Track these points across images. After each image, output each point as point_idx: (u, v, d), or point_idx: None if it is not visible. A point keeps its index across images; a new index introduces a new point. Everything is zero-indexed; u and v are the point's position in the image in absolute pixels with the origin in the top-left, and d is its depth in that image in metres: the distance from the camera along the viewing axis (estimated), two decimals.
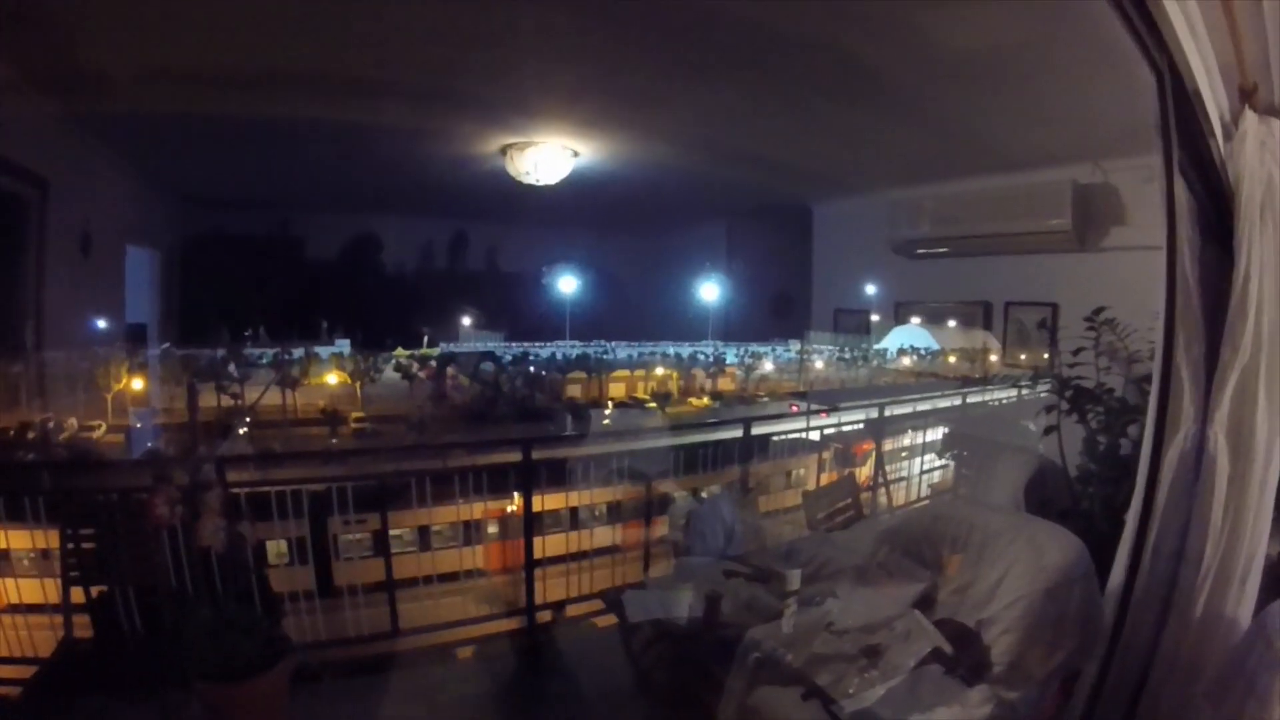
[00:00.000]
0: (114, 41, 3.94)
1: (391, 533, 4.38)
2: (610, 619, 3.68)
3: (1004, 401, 6.27)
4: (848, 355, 7.96)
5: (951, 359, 7.41)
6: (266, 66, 4.42)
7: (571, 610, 4.41)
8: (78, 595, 3.20)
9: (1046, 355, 5.36)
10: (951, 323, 7.19)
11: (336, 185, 7.63)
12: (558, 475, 4.97)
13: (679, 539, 4.09)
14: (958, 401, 6.64)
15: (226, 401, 4.42)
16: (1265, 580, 2.06)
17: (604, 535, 5.23)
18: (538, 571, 4.42)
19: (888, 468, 5.74)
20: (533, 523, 4.50)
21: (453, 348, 7.97)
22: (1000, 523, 2.82)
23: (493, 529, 4.89)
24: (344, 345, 6.48)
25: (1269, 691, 1.78)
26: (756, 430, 5.77)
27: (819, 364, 7.77)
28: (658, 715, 3.19)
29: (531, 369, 7.92)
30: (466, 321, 8.98)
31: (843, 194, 7.59)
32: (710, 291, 10.00)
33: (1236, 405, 2.04)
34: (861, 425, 6.16)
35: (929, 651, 2.44)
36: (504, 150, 6.24)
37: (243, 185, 7.06)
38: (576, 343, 9.03)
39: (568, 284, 9.64)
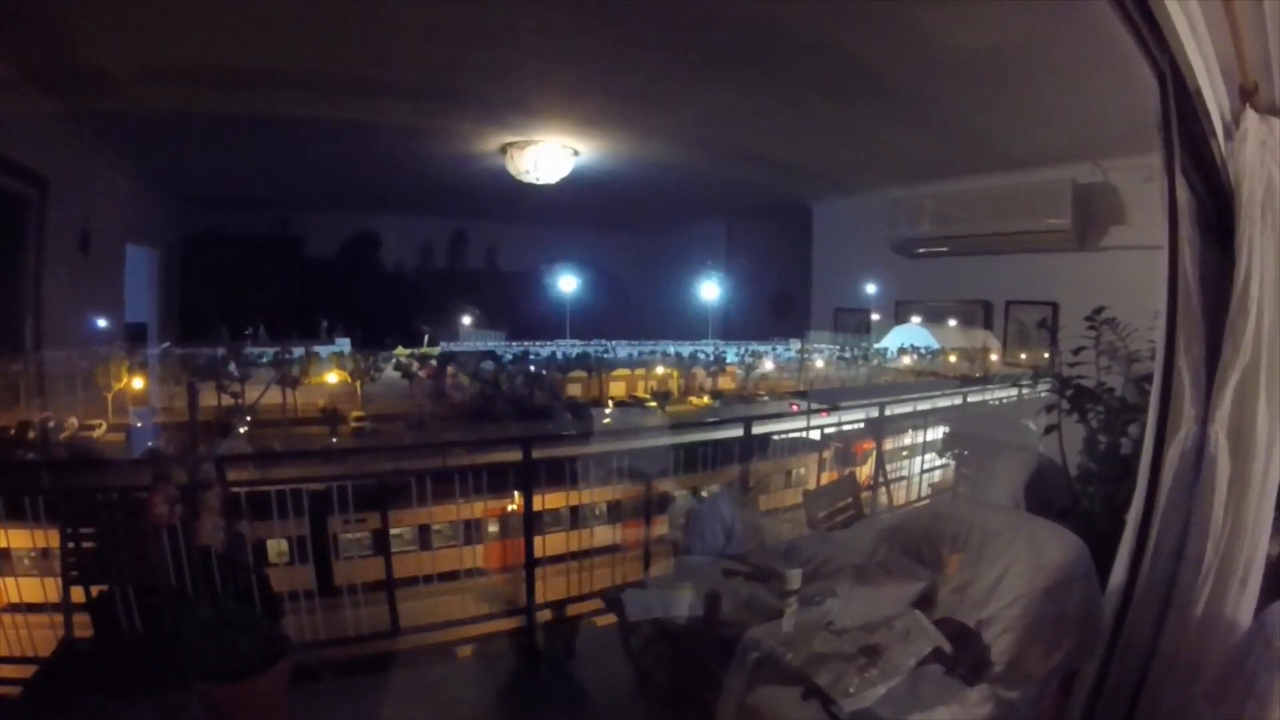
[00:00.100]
0: (114, 40, 3.93)
1: (391, 532, 4.38)
2: (610, 618, 3.68)
3: (1004, 401, 6.26)
4: (848, 354, 7.95)
5: (952, 358, 7.41)
6: (266, 65, 4.42)
7: (571, 609, 4.41)
8: (78, 594, 3.20)
9: (1047, 354, 5.36)
10: (952, 322, 7.19)
11: (336, 184, 7.63)
12: (558, 474, 4.96)
13: (679, 538, 4.09)
14: (958, 401, 6.64)
15: (227, 401, 4.42)
16: (1265, 580, 2.06)
17: (604, 534, 5.23)
18: (537, 570, 4.43)
19: (888, 467, 5.74)
20: (533, 521, 4.50)
21: (453, 347, 7.97)
22: (1000, 522, 2.82)
23: (493, 528, 4.89)
24: (344, 344, 6.47)
25: (1269, 691, 1.78)
26: (757, 429, 5.76)
27: (819, 363, 7.77)
28: (657, 714, 3.19)
29: (532, 368, 7.91)
30: (467, 320, 8.98)
31: (843, 193, 7.59)
32: (710, 291, 10.00)
33: (1237, 405, 2.04)
34: (862, 424, 6.15)
35: (929, 651, 2.44)
36: (504, 149, 6.23)
37: (243, 184, 7.06)
38: (577, 342, 9.03)
39: (568, 283, 9.64)
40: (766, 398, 7.64)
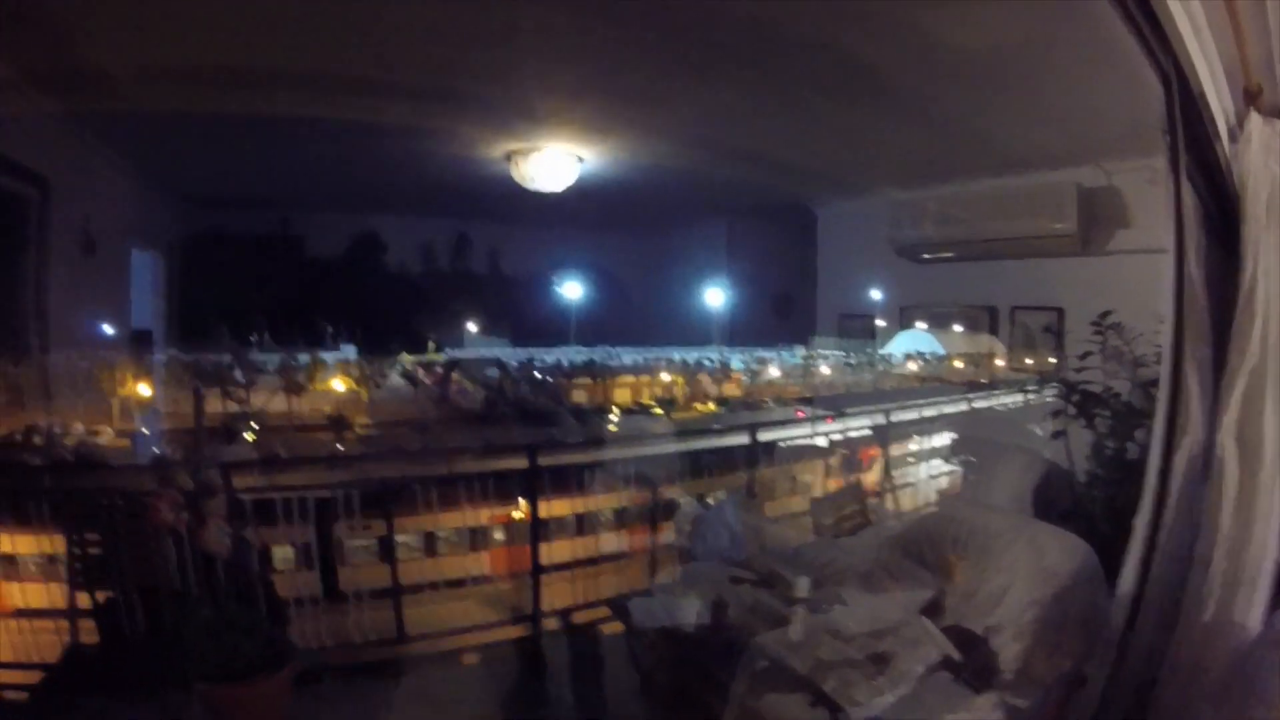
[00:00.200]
0: (115, 40, 3.95)
1: (397, 538, 4.38)
2: (616, 625, 3.67)
3: (1011, 406, 6.24)
4: (853, 360, 7.92)
5: (957, 364, 7.38)
6: (268, 65, 4.44)
7: (577, 616, 4.40)
8: (84, 600, 3.21)
9: (1053, 359, 5.35)
10: (957, 327, 7.18)
11: (339, 187, 7.67)
12: (564, 480, 4.96)
13: (685, 544, 4.08)
14: (964, 406, 6.62)
15: (232, 407, 4.42)
16: (1275, 584, 2.04)
17: (610, 541, 5.22)
18: (543, 577, 4.42)
19: (895, 473, 5.72)
20: (539, 528, 4.50)
21: (458, 353, 7.97)
22: (1008, 527, 2.81)
23: (499, 534, 4.88)
24: (349, 350, 6.49)
25: (1278, 695, 1.77)
26: (762, 435, 5.75)
27: (824, 369, 7.73)
28: None
29: (537, 374, 7.91)
30: (472, 327, 8.99)
31: (847, 196, 7.61)
32: (715, 296, 9.99)
33: (1244, 409, 2.03)
34: (868, 430, 6.14)
35: (938, 658, 2.43)
36: (509, 156, 6.25)
37: (246, 186, 7.10)
38: (582, 348, 9.03)
39: (572, 289, 9.66)
40: (772, 404, 7.60)
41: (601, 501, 5.17)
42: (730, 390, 8.25)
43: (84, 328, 5.45)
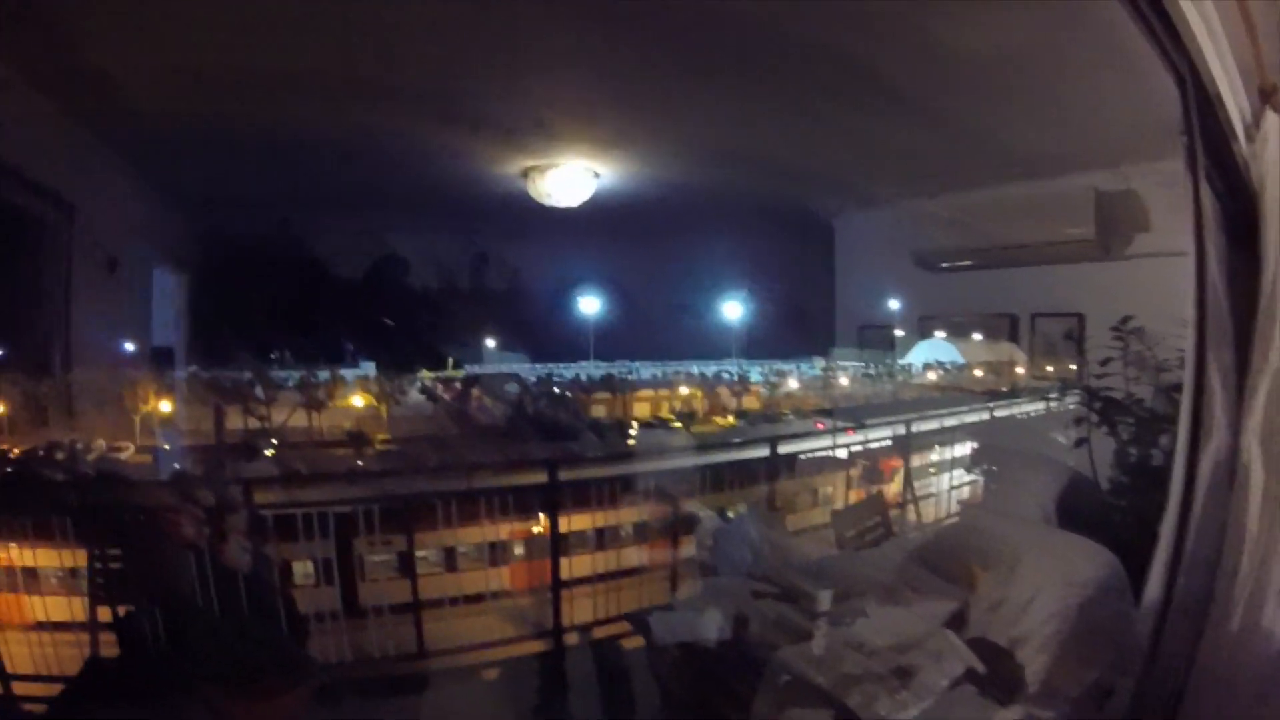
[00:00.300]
0: (142, 61, 4.04)
1: (417, 553, 4.40)
2: (637, 640, 3.65)
3: (1032, 415, 6.18)
4: (873, 371, 7.89)
5: (978, 373, 7.33)
6: (289, 87, 4.51)
7: (598, 631, 4.39)
8: (104, 614, 3.24)
9: (1074, 366, 5.29)
10: (977, 336, 7.13)
11: (359, 207, 7.74)
12: (583, 495, 4.96)
13: (706, 558, 4.06)
14: (985, 416, 6.56)
15: (253, 423, 4.49)
16: None
17: (630, 555, 5.21)
18: (564, 592, 4.41)
19: (916, 484, 5.67)
20: (559, 543, 4.50)
21: (477, 369, 8.02)
22: (1031, 538, 2.78)
23: (519, 549, 4.90)
24: (369, 367, 6.55)
25: None
26: (783, 448, 5.73)
27: (844, 380, 7.71)
28: None
29: (556, 389, 7.94)
30: (490, 343, 9.03)
31: (864, 207, 7.59)
32: (733, 309, 9.98)
33: (1269, 412, 1.99)
34: (888, 441, 6.10)
35: (962, 672, 2.39)
36: (525, 173, 6.29)
37: (266, 206, 7.19)
38: (600, 363, 9.05)
39: (590, 304, 9.68)
40: (791, 416, 7.58)
41: (621, 516, 5.17)
42: (749, 403, 8.24)
43: (106, 346, 5.54)
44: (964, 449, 5.80)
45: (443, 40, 4.04)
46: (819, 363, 8.29)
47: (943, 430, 6.19)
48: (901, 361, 7.87)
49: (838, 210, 8.09)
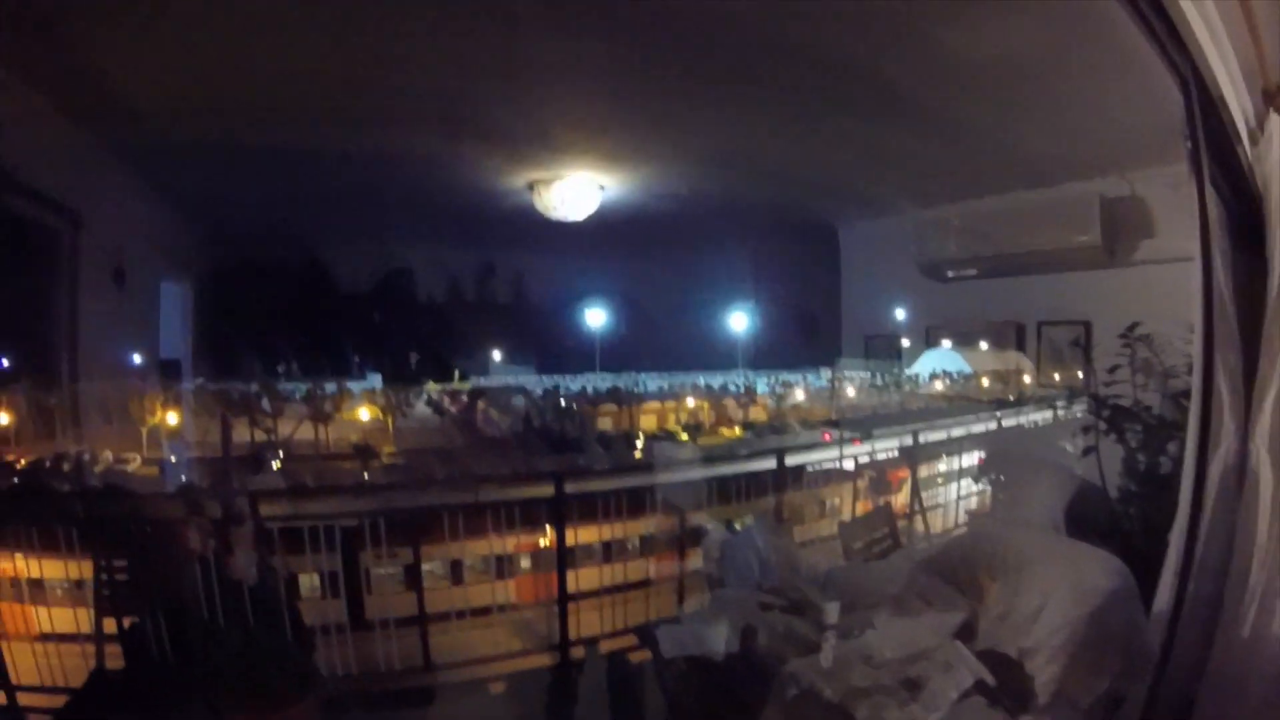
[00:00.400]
0: (149, 76, 4.08)
1: (423, 566, 4.39)
2: (644, 653, 3.63)
3: (1040, 423, 6.15)
4: (879, 381, 7.87)
5: (985, 381, 7.30)
6: (297, 99, 4.55)
7: (605, 644, 4.36)
8: (110, 625, 3.23)
9: (1081, 374, 5.26)
10: (984, 344, 7.11)
11: (366, 220, 7.80)
12: (590, 507, 4.95)
13: (713, 570, 4.03)
14: (993, 424, 6.54)
15: (260, 435, 4.50)
16: None
17: (637, 568, 5.20)
18: (570, 605, 4.39)
19: (924, 494, 5.64)
20: (565, 555, 4.48)
21: (483, 381, 8.04)
22: (1040, 547, 2.75)
23: (525, 562, 4.88)
24: (375, 380, 6.56)
25: None
26: (790, 459, 5.71)
27: (851, 391, 7.70)
28: None
29: (562, 402, 7.95)
30: (496, 355, 9.05)
31: (869, 216, 7.61)
32: (739, 320, 9.98)
33: (1278, 417, 1.97)
34: (896, 452, 6.07)
35: (971, 683, 2.37)
36: (531, 185, 6.32)
37: (274, 218, 7.24)
38: (607, 375, 9.06)
39: (596, 316, 9.70)
40: (798, 427, 7.56)
41: (628, 528, 5.15)
42: (756, 414, 8.23)
43: (113, 357, 5.57)
44: (971, 458, 5.77)
45: (449, 54, 4.08)
46: (825, 373, 8.28)
47: (950, 440, 6.16)
48: (908, 371, 7.86)
49: (843, 220, 8.11)
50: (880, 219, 7.53)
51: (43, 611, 3.63)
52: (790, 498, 5.59)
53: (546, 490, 4.66)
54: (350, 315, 8.46)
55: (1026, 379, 6.77)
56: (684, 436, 7.95)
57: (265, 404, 4.54)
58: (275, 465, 4.41)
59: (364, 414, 5.30)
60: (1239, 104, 2.04)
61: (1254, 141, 2.08)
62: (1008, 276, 6.27)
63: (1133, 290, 4.72)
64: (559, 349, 9.49)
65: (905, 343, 7.88)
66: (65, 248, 5.14)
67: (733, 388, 8.63)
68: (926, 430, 6.09)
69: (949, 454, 6.05)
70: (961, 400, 7.27)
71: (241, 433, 4.32)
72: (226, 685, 2.55)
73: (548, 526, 4.83)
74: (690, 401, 8.29)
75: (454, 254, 9.31)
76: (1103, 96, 3.77)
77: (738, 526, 4.91)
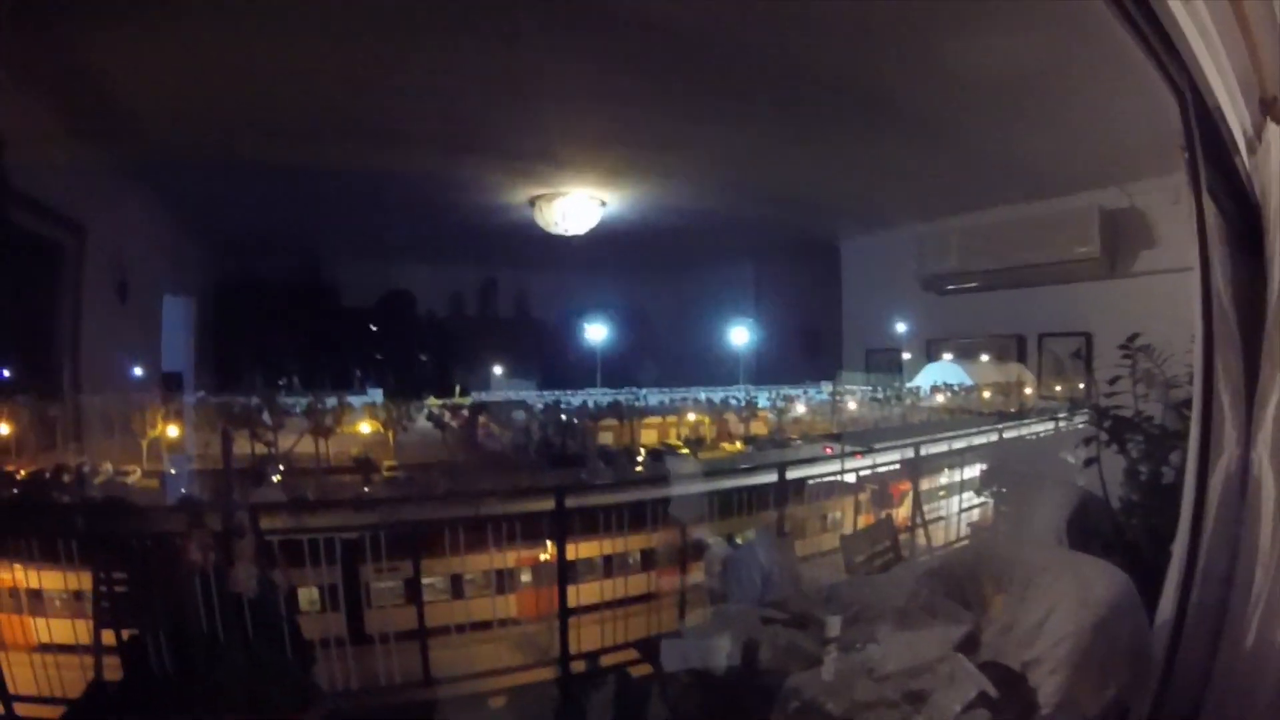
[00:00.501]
0: (153, 91, 4.11)
1: (424, 580, 4.37)
2: (646, 667, 3.61)
3: (1042, 435, 6.14)
4: (880, 395, 7.87)
5: (986, 394, 7.30)
6: (301, 117, 4.58)
7: (606, 659, 4.34)
8: (109, 637, 3.22)
9: (1083, 385, 5.26)
10: (984, 357, 7.12)
11: (369, 235, 7.83)
12: (591, 522, 4.94)
13: (715, 585, 4.02)
14: (994, 437, 6.53)
15: (260, 449, 4.50)
16: None
17: (639, 582, 5.18)
18: (572, 619, 4.37)
19: (926, 507, 5.62)
20: (566, 570, 4.47)
21: (484, 396, 8.05)
22: (1043, 559, 2.74)
23: (526, 576, 4.87)
24: (376, 394, 6.57)
25: None
26: (791, 473, 5.70)
27: (852, 404, 7.69)
28: None
29: (563, 416, 7.95)
30: (497, 370, 9.06)
31: (870, 230, 7.64)
32: (740, 335, 10.00)
33: (1279, 424, 1.97)
34: (897, 465, 6.07)
35: (975, 696, 2.35)
36: (533, 201, 6.35)
37: (278, 233, 7.27)
38: (608, 390, 9.06)
39: (597, 331, 9.72)
40: (800, 441, 7.56)
41: (629, 543, 5.14)
42: (757, 428, 8.22)
43: (115, 369, 5.57)
44: (973, 471, 5.76)
45: (452, 71, 4.11)
46: (827, 387, 8.28)
47: (952, 453, 6.15)
48: (909, 384, 7.86)
49: (844, 235, 8.13)
50: (880, 233, 7.56)
51: (41, 622, 3.62)
52: (792, 511, 5.57)
53: (548, 505, 4.66)
54: (352, 329, 8.49)
55: (1028, 391, 6.77)
56: (685, 451, 7.94)
57: (266, 417, 4.54)
58: (276, 478, 4.40)
59: (365, 428, 5.30)
60: (1236, 114, 2.05)
61: (1252, 151, 2.09)
62: (1008, 289, 6.29)
63: (1133, 301, 4.74)
64: (560, 364, 9.51)
65: (906, 356, 7.88)
66: (68, 260, 5.16)
67: (734, 402, 8.62)
68: (928, 443, 6.08)
69: (950, 467, 6.04)
70: (963, 413, 7.27)
71: (242, 446, 4.32)
72: (227, 699, 2.53)
73: (548, 541, 4.81)
74: (691, 416, 8.29)
75: (455, 268, 9.34)
76: (1101, 109, 3.79)
77: (739, 541, 4.90)
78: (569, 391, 8.71)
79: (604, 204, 6.51)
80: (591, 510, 5.06)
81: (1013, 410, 6.89)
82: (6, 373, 5.25)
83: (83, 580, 3.44)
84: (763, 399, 8.58)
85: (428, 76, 4.12)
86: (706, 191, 6.54)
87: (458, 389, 7.92)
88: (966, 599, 2.86)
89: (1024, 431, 6.44)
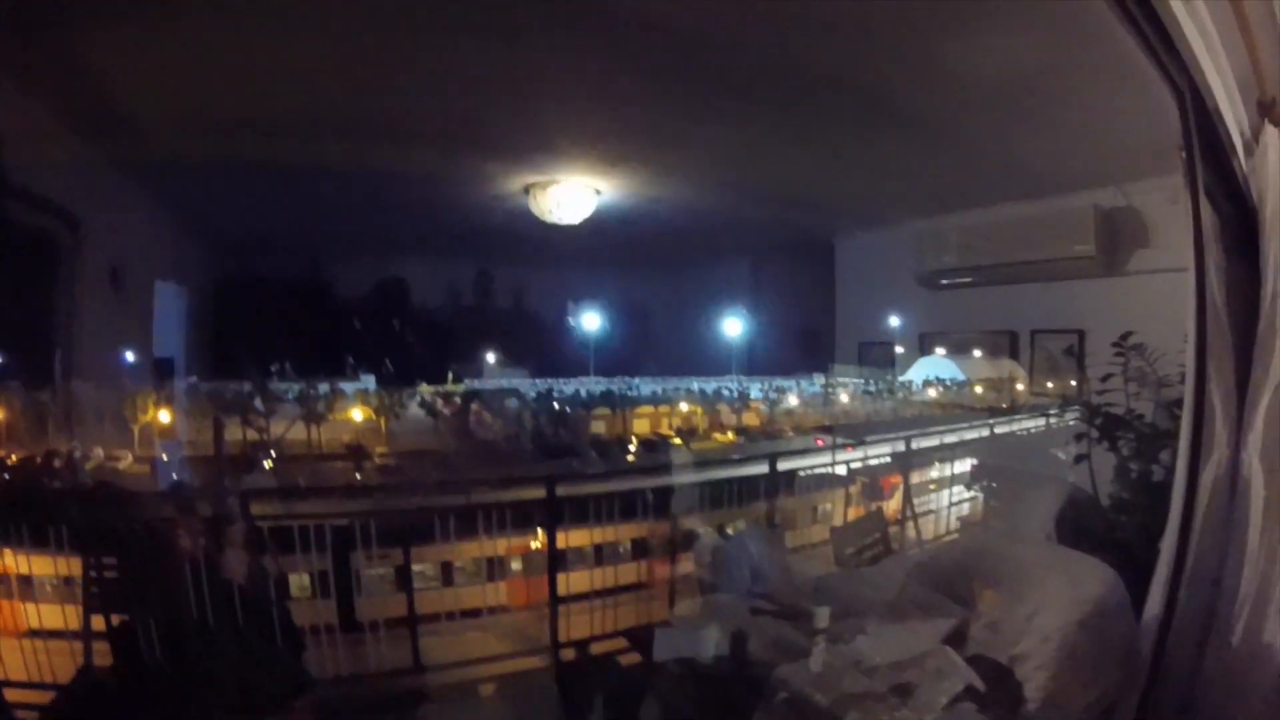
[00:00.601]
0: (148, 84, 4.07)
1: (414, 568, 4.38)
2: (635, 657, 3.63)
3: (1033, 431, 6.17)
4: (873, 388, 7.89)
5: (978, 389, 7.33)
6: (297, 111, 4.54)
7: (596, 648, 4.36)
8: (99, 623, 3.22)
9: (1075, 383, 5.28)
10: (977, 353, 7.14)
11: (363, 225, 7.78)
12: (582, 511, 4.95)
13: (705, 575, 4.03)
14: (986, 432, 6.56)
15: (252, 436, 4.49)
16: None
17: (629, 572, 5.19)
18: (562, 608, 4.39)
19: (916, 501, 5.65)
20: (557, 559, 4.48)
21: (477, 384, 8.03)
22: (1032, 555, 2.76)
23: (516, 565, 4.88)
24: (369, 381, 6.56)
25: None
26: (783, 465, 5.72)
27: (844, 397, 7.71)
28: None
29: (556, 405, 7.94)
30: (491, 358, 9.04)
31: (865, 226, 7.63)
32: (734, 326, 9.99)
33: (1270, 427, 1.98)
34: (888, 458, 6.09)
35: (962, 689, 2.37)
36: (527, 189, 6.32)
37: (272, 223, 7.22)
38: (601, 379, 9.06)
39: (591, 321, 9.70)
40: (791, 433, 7.58)
41: (620, 532, 5.15)
42: (749, 420, 8.24)
43: (107, 355, 5.54)
44: (964, 466, 5.78)
45: (449, 62, 4.07)
46: (819, 379, 8.29)
47: (943, 447, 6.18)
48: (902, 378, 7.88)
49: (840, 230, 8.13)
50: (876, 228, 7.56)
51: (31, 608, 3.61)
52: (783, 503, 5.59)
53: (539, 493, 4.66)
54: (344, 317, 8.45)
55: (1019, 387, 6.79)
56: (677, 441, 7.95)
57: (258, 403, 4.53)
58: (267, 465, 4.39)
59: (357, 415, 5.28)
60: (1234, 115, 2.05)
61: (1249, 152, 2.09)
62: (1002, 285, 6.31)
63: (1128, 300, 4.76)
64: (553, 352, 9.49)
65: (899, 350, 7.90)
66: (62, 250, 5.13)
67: (726, 393, 8.63)
68: (919, 437, 6.10)
69: (941, 461, 6.07)
70: (954, 407, 7.30)
71: (234, 432, 4.32)
72: (216, 685, 2.53)
73: (540, 530, 4.82)
74: (684, 406, 8.29)
75: (449, 257, 9.30)
76: (1099, 108, 3.79)
77: (730, 531, 4.92)
78: (562, 380, 8.70)
79: (599, 193, 6.48)
80: (583, 499, 5.06)
81: (1004, 406, 6.91)
82: None
83: (73, 566, 3.44)
84: (755, 390, 8.59)
85: (425, 67, 4.08)
86: (702, 183, 6.52)
87: (450, 377, 7.90)
88: (955, 593, 2.87)
89: (1015, 427, 6.46)
